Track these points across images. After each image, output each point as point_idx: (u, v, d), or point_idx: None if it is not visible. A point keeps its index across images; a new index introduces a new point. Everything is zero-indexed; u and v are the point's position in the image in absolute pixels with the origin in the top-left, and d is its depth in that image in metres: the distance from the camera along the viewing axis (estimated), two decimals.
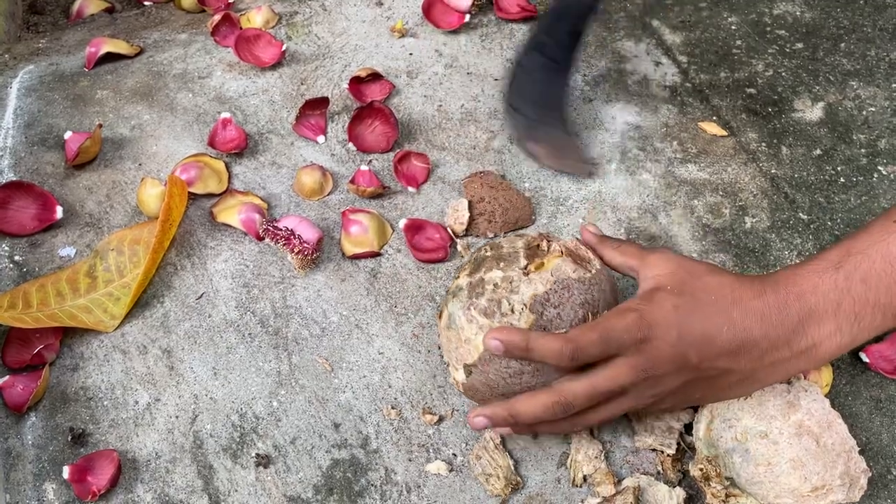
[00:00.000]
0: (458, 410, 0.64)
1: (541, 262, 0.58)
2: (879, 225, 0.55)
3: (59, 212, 0.74)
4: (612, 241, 0.61)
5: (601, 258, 0.61)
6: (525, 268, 0.57)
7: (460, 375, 0.58)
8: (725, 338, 0.53)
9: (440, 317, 0.61)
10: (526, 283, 0.56)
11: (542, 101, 0.80)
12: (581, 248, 0.61)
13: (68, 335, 0.68)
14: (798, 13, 0.94)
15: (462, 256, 0.73)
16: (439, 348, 0.67)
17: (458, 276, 0.60)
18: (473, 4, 0.93)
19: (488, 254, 0.60)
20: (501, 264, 0.58)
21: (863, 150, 0.80)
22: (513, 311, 0.56)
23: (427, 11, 0.93)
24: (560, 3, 0.82)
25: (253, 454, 0.61)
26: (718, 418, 0.59)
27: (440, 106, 0.86)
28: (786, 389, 0.59)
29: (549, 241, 0.60)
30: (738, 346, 0.53)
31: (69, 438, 0.62)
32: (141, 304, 0.70)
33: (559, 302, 0.56)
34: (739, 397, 0.58)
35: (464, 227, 0.74)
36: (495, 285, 0.57)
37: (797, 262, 0.62)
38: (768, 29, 0.93)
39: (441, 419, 0.63)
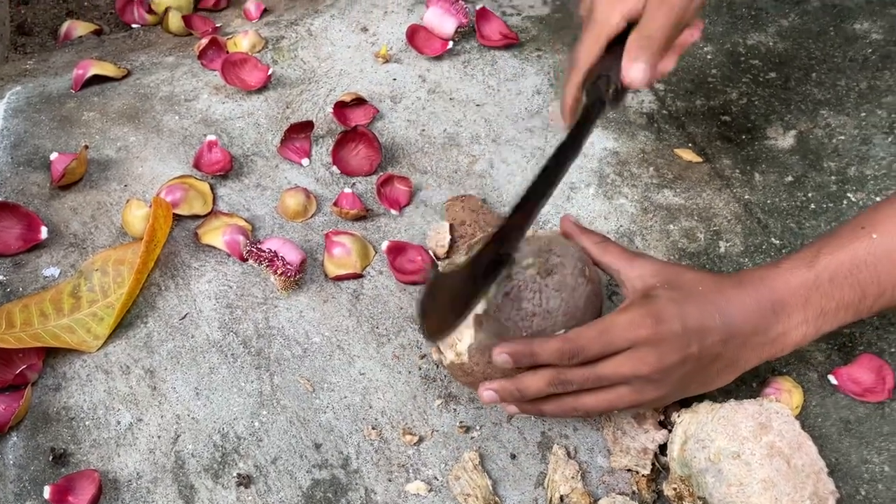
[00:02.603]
0: (437, 431, 0.65)
1: (534, 233, 0.62)
2: (848, 230, 0.60)
3: (43, 232, 0.75)
4: (593, 234, 0.64)
5: (583, 249, 0.63)
6: None
7: (465, 342, 0.58)
8: (718, 326, 0.57)
9: None
10: (525, 243, 0.60)
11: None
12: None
13: (51, 355, 0.68)
14: (771, 44, 0.97)
15: None
16: (420, 369, 0.68)
17: (453, 260, 0.62)
18: (456, 31, 0.95)
19: (481, 236, 0.63)
20: None
21: (833, 178, 0.83)
22: (521, 258, 0.58)
23: (411, 38, 0.95)
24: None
25: (234, 474, 0.62)
26: (692, 439, 0.60)
27: (423, 130, 0.88)
28: (758, 411, 0.61)
29: None
30: (726, 333, 0.57)
31: (50, 458, 0.62)
32: (124, 324, 0.70)
33: (562, 252, 0.60)
34: (724, 384, 0.60)
35: (445, 249, 0.75)
36: None
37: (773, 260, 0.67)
38: (742, 59, 0.96)
39: (421, 440, 0.64)
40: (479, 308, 0.58)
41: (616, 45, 0.63)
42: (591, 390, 0.57)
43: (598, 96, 0.63)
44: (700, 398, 0.62)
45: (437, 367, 0.68)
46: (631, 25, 0.63)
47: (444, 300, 0.57)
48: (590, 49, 0.64)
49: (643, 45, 0.61)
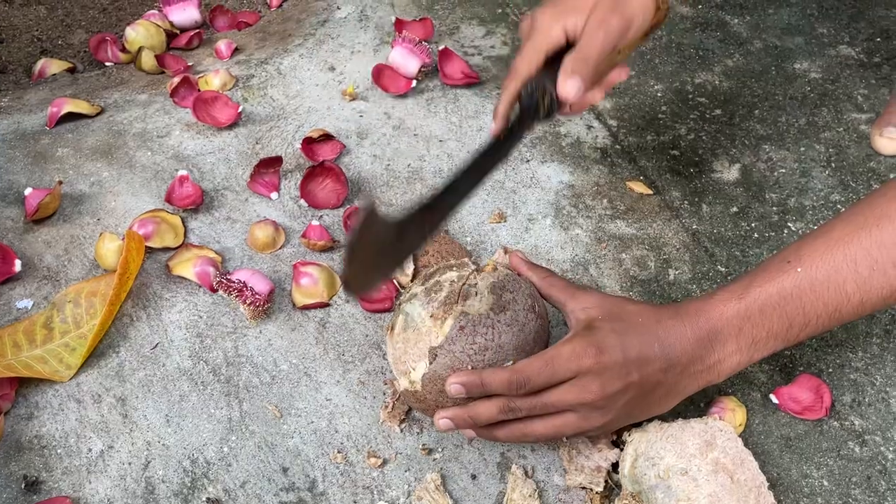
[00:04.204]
0: (401, 454, 0.67)
1: (489, 266, 0.65)
2: (775, 264, 0.63)
3: (17, 265, 0.77)
4: (540, 269, 0.68)
5: (531, 283, 0.67)
6: (475, 270, 0.65)
7: (419, 371, 0.61)
8: (658, 355, 0.60)
9: (391, 329, 0.64)
10: (482, 278, 0.64)
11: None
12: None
13: (24, 385, 0.70)
14: (717, 82, 1.03)
15: None
16: (385, 394, 0.71)
17: (410, 289, 0.65)
18: (420, 71, 0.99)
19: (438, 267, 0.66)
20: (454, 268, 0.65)
21: (774, 208, 0.88)
22: (476, 294, 0.62)
23: (377, 77, 0.99)
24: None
25: (203, 498, 0.64)
26: (642, 457, 0.64)
27: (388, 165, 0.91)
28: (703, 430, 0.64)
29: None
30: (666, 361, 0.60)
31: (23, 486, 0.63)
32: (97, 354, 0.72)
33: (514, 288, 0.63)
34: (666, 410, 0.64)
35: (409, 278, 0.79)
36: (452, 282, 0.63)
37: (707, 292, 0.71)
38: (690, 96, 1.01)
39: (385, 462, 0.67)
40: (435, 341, 0.61)
41: (553, 63, 0.65)
42: (539, 417, 0.60)
43: (532, 106, 0.65)
44: (649, 418, 0.65)
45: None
46: (567, 48, 0.66)
47: (369, 254, 0.57)
48: (529, 59, 0.66)
49: (579, 63, 0.64)
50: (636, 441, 0.65)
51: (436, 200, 0.60)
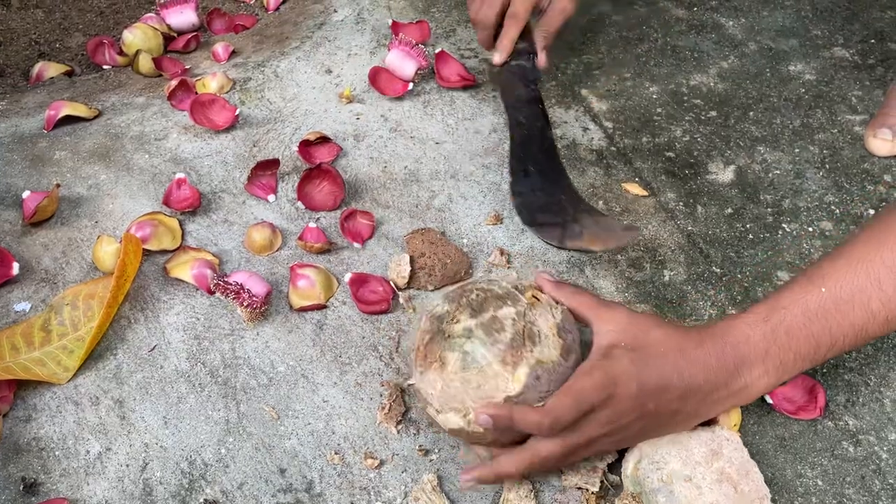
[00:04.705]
0: (398, 454, 0.68)
1: (534, 298, 0.64)
2: (800, 284, 0.63)
3: (15, 268, 0.77)
4: (566, 287, 0.67)
5: (559, 301, 0.67)
6: (527, 304, 0.64)
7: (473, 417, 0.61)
8: (676, 384, 0.60)
9: (440, 363, 0.62)
10: (540, 315, 0.63)
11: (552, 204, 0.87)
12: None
13: (22, 387, 0.70)
14: (712, 84, 1.04)
15: (404, 308, 0.78)
16: (381, 396, 0.71)
17: (455, 322, 0.63)
18: (416, 73, 0.99)
19: (485, 295, 0.64)
20: (508, 302, 0.63)
21: (769, 210, 0.88)
22: (540, 336, 0.62)
23: (373, 79, 0.99)
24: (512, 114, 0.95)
25: (201, 500, 0.64)
26: (646, 459, 0.64)
27: (385, 167, 0.92)
28: (710, 438, 0.64)
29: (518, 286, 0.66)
30: (685, 390, 0.61)
31: (21, 488, 0.64)
32: (94, 356, 0.73)
33: (570, 328, 0.64)
34: (686, 430, 0.64)
35: (405, 280, 0.79)
36: (513, 320, 0.62)
37: (732, 313, 0.70)
38: (685, 98, 1.02)
39: (382, 463, 0.67)
40: (509, 389, 0.60)
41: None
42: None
43: (525, 66, 0.94)
44: None
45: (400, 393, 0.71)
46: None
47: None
48: (526, 6, 0.91)
49: (544, 36, 0.94)
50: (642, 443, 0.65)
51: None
